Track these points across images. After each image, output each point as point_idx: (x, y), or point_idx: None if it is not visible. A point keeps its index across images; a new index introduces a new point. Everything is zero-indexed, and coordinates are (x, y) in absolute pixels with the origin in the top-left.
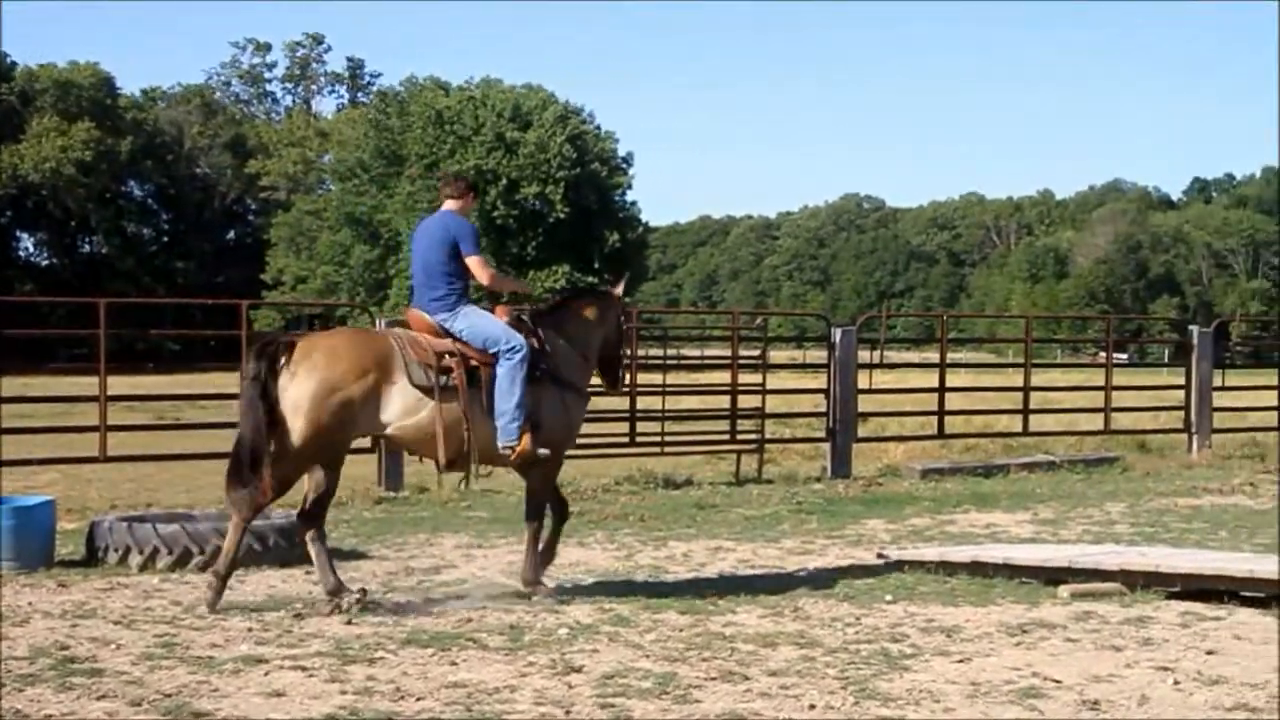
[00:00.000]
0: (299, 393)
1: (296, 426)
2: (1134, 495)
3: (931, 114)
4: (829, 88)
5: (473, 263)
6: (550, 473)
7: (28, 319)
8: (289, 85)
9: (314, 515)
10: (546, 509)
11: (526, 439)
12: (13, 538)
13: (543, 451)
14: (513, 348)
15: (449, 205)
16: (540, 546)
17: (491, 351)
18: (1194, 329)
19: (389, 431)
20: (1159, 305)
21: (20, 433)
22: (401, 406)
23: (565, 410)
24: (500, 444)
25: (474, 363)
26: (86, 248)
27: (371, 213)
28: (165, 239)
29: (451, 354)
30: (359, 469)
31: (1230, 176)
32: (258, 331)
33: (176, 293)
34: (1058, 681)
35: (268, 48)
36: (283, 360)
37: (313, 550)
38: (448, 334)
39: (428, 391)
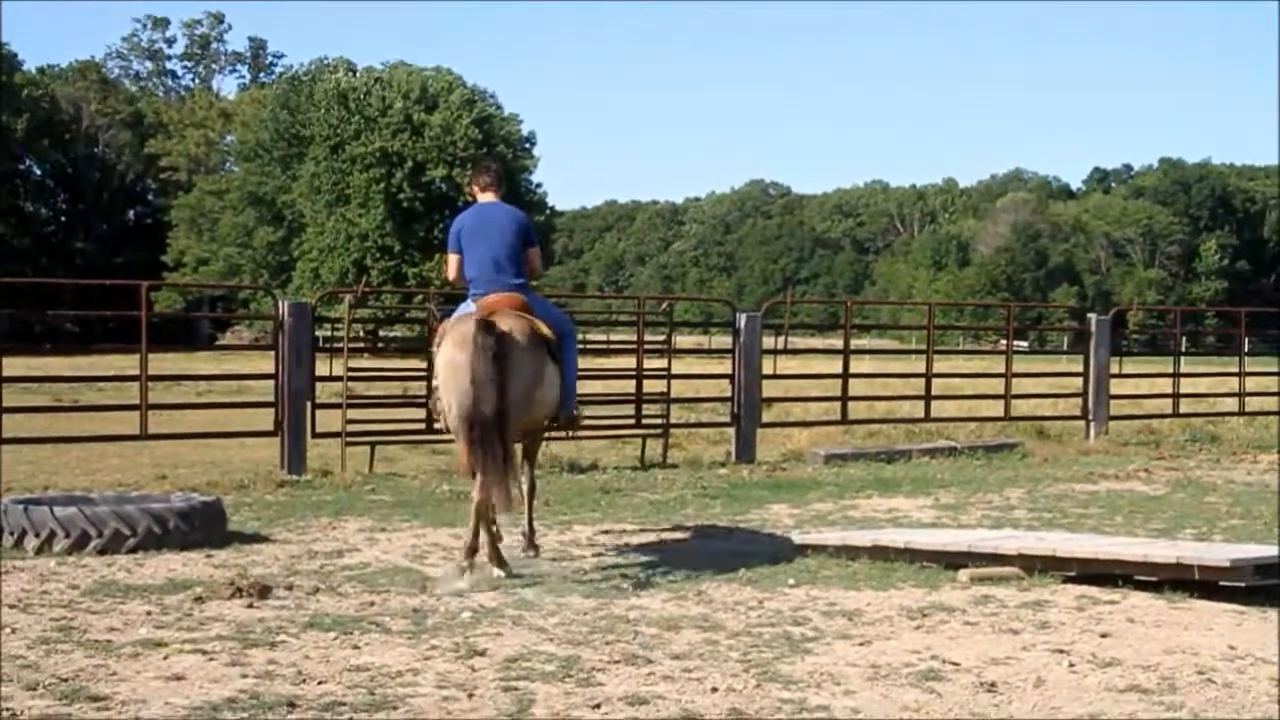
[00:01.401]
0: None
1: (535, 397)
2: (1033, 481)
3: (838, 101)
4: (736, 73)
5: (534, 253)
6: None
7: None
8: (188, 64)
9: None
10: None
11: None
12: None
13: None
14: (573, 333)
15: (492, 197)
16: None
17: (558, 332)
18: (1092, 317)
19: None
20: (1059, 294)
21: None
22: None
23: None
24: (568, 410)
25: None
26: None
27: (275, 194)
28: (63, 219)
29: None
30: (261, 452)
31: (1128, 167)
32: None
33: (75, 273)
34: (956, 664)
35: (165, 23)
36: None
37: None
38: (532, 313)
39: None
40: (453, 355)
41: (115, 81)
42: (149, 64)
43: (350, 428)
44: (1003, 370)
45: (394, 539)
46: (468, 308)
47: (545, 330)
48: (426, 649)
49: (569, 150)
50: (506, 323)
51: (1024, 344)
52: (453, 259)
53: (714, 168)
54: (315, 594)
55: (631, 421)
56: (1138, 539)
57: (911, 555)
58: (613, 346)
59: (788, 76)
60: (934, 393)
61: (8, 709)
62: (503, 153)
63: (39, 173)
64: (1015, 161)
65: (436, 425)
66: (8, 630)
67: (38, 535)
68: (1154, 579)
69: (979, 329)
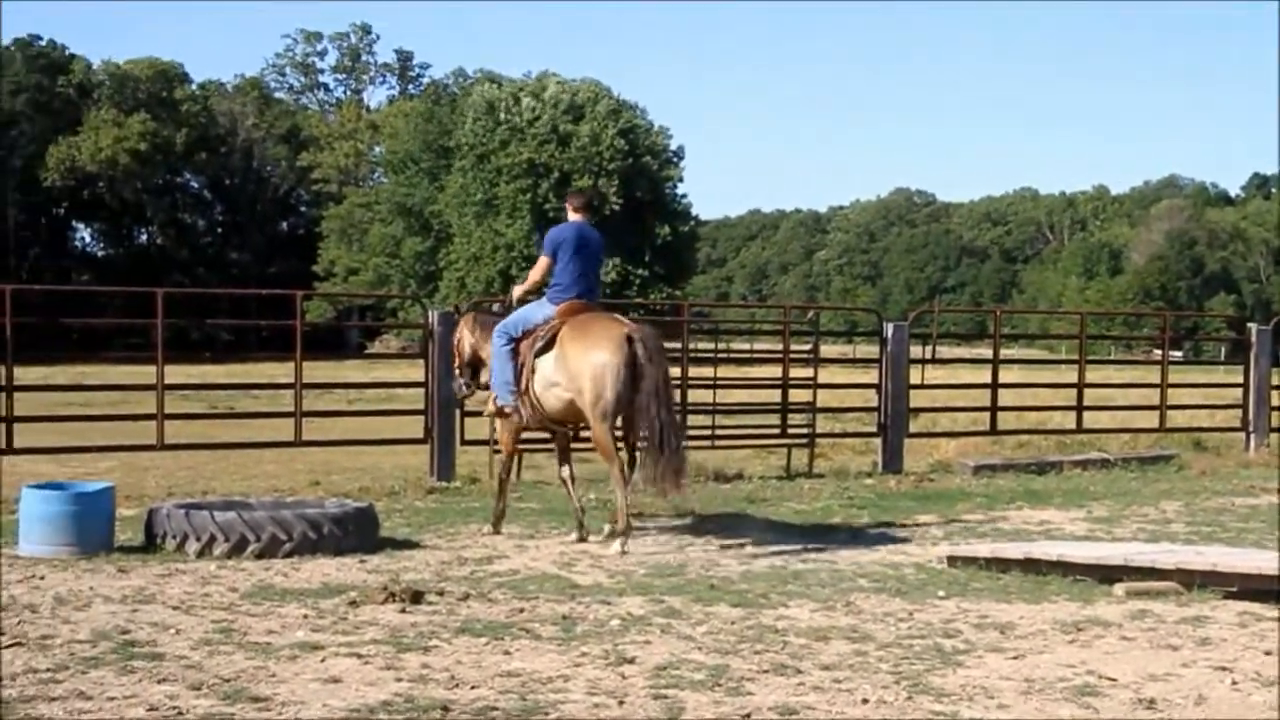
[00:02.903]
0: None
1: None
2: (1190, 494)
3: (985, 108)
4: (881, 81)
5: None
6: None
7: (85, 308)
8: (340, 76)
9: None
10: None
11: None
12: (75, 523)
13: None
14: None
15: (585, 217)
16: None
17: None
18: (1252, 326)
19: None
20: (1215, 302)
21: (79, 420)
22: None
23: None
24: None
25: None
26: (142, 238)
27: (423, 204)
28: (219, 230)
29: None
30: (410, 459)
31: None
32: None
33: (230, 283)
34: (1113, 680)
35: (318, 37)
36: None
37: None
38: None
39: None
40: (608, 359)
41: (271, 96)
42: (302, 78)
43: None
44: (1158, 380)
45: (542, 546)
46: (546, 309)
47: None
48: (576, 655)
49: (713, 159)
50: (644, 332)
51: (1179, 354)
52: (544, 262)
53: (858, 175)
54: (466, 600)
55: (777, 431)
56: None
57: (1065, 568)
58: (756, 355)
59: (934, 82)
60: (1086, 403)
61: (174, 707)
62: (648, 164)
63: (196, 185)
64: (1171, 167)
65: (584, 434)
66: (172, 631)
67: (198, 539)
68: None
69: (1132, 339)
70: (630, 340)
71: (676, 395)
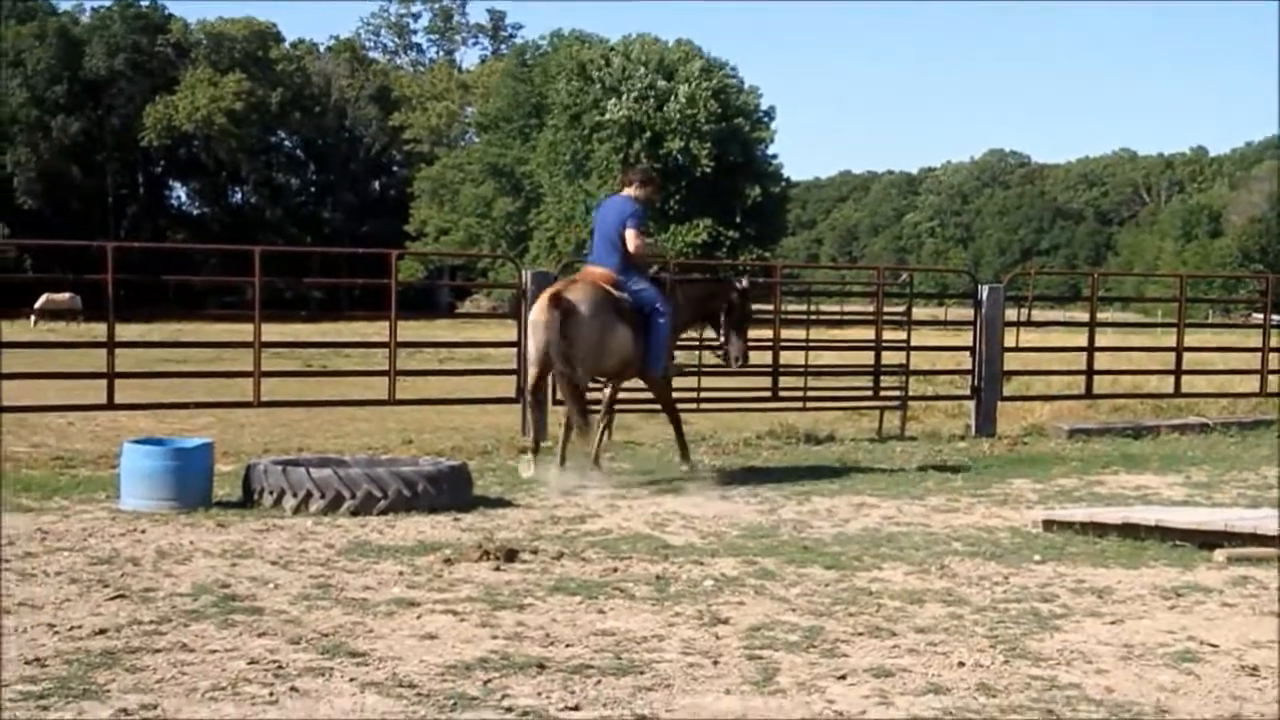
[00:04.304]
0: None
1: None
2: None
3: (1081, 68)
4: (975, 41)
5: (630, 234)
6: (669, 387)
7: (182, 267)
8: (433, 37)
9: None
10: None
11: (669, 366)
12: (174, 478)
13: (672, 367)
14: (663, 310)
15: (629, 191)
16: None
17: (647, 310)
18: None
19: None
20: None
21: (176, 376)
22: (618, 333)
23: (672, 348)
24: (653, 370)
25: (645, 311)
26: (237, 197)
27: (514, 164)
28: (312, 189)
29: (628, 302)
30: (502, 418)
31: None
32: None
33: (322, 242)
34: (1215, 646)
35: None
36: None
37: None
38: (623, 289)
39: (629, 324)
40: (534, 317)
41: (364, 57)
42: (396, 39)
43: (590, 395)
44: (1258, 344)
45: (634, 506)
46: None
47: (619, 297)
48: (670, 615)
49: (804, 120)
50: (575, 293)
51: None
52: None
53: (951, 137)
54: (559, 559)
55: (869, 393)
56: None
57: (1163, 534)
58: (850, 318)
59: (1030, 40)
60: (1184, 367)
61: (274, 660)
62: (740, 125)
63: (290, 145)
64: (1273, 128)
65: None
66: (270, 585)
67: (295, 495)
68: None
69: (1231, 301)
70: (555, 301)
71: (602, 354)
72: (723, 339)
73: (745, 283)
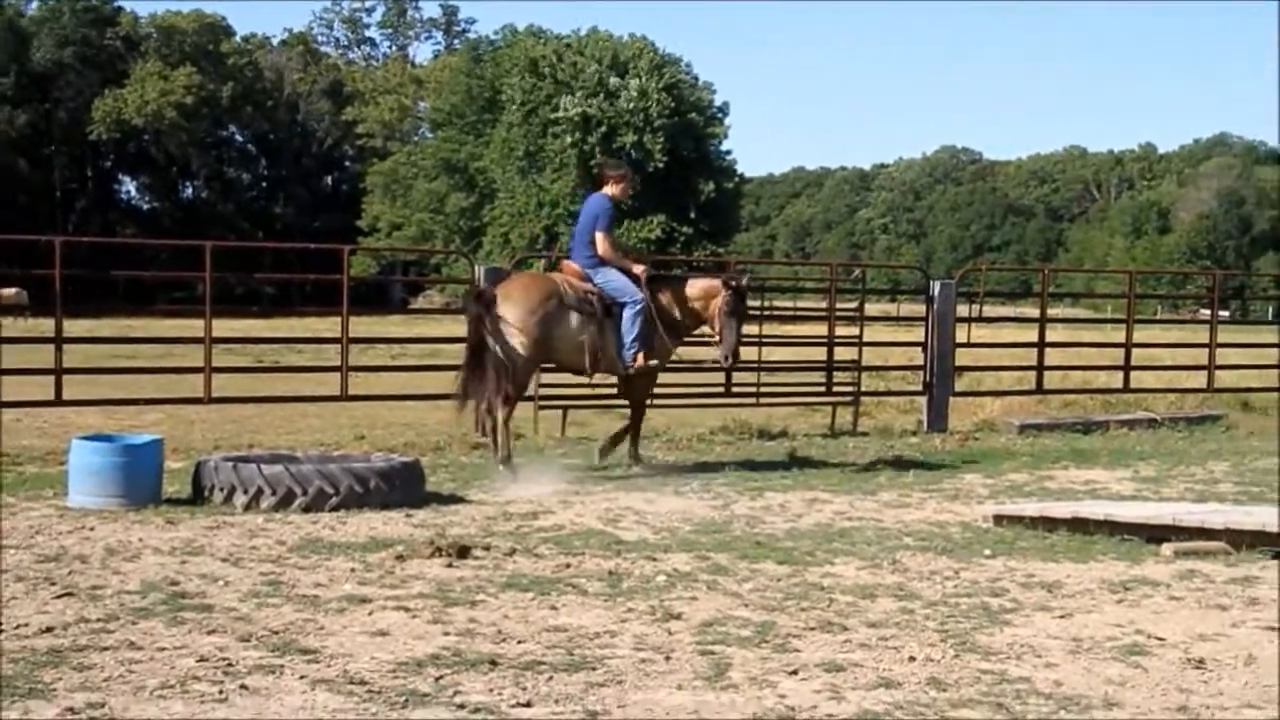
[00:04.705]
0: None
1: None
2: (1238, 454)
3: (1032, 65)
4: (927, 37)
5: (598, 236)
6: (648, 385)
7: (131, 262)
8: (386, 31)
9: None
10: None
11: (640, 359)
12: (123, 475)
13: (653, 363)
14: (635, 300)
15: (607, 189)
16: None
17: (620, 301)
18: None
19: (555, 344)
20: (1263, 262)
21: (126, 372)
22: (568, 326)
23: (662, 344)
24: (624, 362)
25: (608, 304)
26: (187, 192)
27: (468, 160)
28: (264, 184)
29: (594, 294)
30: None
31: None
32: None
33: (274, 237)
34: (1162, 639)
35: None
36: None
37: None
38: (591, 282)
39: (588, 316)
40: (468, 310)
41: (317, 50)
42: (349, 33)
43: (543, 392)
44: (1205, 340)
45: (587, 502)
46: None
47: (579, 290)
48: (623, 611)
49: (756, 116)
50: (507, 286)
51: (1226, 313)
52: None
53: (904, 134)
54: (512, 555)
55: (822, 389)
56: None
57: (1112, 528)
58: (803, 314)
59: (981, 38)
60: (1133, 363)
61: (223, 658)
62: (693, 120)
63: (241, 139)
64: (1219, 125)
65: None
66: (220, 583)
67: (246, 492)
68: None
69: (1179, 298)
70: (478, 295)
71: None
72: (717, 336)
73: (745, 280)
